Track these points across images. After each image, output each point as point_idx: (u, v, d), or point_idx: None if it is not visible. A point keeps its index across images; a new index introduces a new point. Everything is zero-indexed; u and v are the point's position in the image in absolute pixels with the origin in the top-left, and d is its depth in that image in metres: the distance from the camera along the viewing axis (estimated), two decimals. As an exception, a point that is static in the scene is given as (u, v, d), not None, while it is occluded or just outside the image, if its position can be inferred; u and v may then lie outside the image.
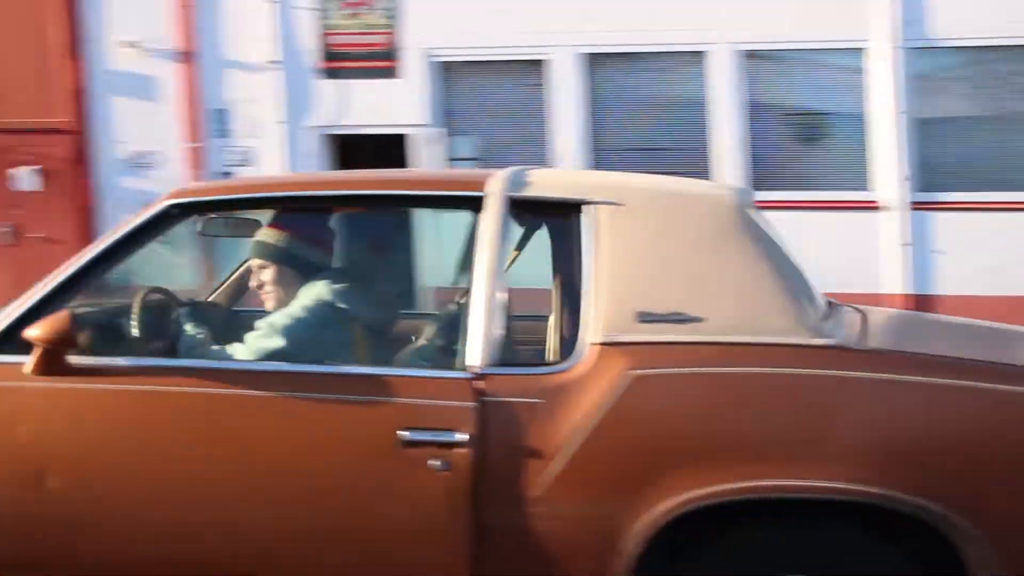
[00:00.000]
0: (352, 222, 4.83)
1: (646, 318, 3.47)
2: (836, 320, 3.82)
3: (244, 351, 3.83)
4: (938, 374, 3.41)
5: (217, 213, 4.33)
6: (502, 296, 3.56)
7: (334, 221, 4.39)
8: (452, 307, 4.22)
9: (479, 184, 3.71)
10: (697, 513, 3.28)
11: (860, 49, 9.97)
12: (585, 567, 3.36)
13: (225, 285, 4.79)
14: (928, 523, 3.19)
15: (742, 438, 3.35)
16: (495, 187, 3.69)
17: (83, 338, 3.61)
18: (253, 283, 4.24)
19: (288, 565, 3.59)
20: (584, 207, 3.63)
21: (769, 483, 3.28)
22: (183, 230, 4.12)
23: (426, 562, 3.47)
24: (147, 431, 3.62)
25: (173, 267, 5.49)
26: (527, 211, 3.76)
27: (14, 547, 3.71)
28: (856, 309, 4.20)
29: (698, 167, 10.02)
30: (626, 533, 3.30)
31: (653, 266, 3.58)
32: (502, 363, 3.49)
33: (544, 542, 3.38)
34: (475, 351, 3.47)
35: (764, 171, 10.19)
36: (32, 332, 3.54)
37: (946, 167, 10.00)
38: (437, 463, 3.38)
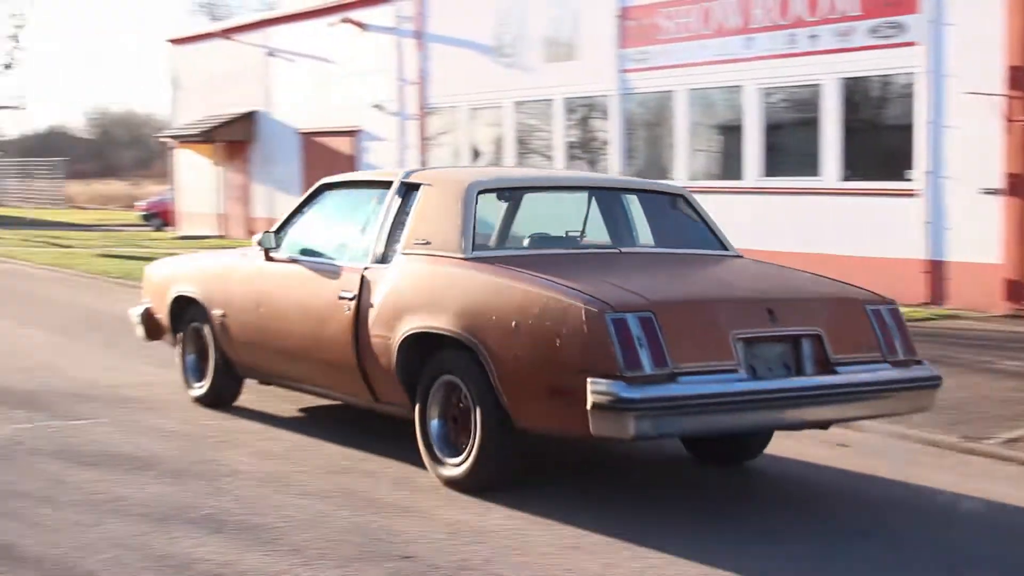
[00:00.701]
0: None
1: (417, 242, 7.55)
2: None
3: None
4: (500, 275, 6.95)
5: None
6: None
7: None
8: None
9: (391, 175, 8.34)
10: (412, 337, 7.17)
11: None
12: (388, 359, 7.35)
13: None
14: (470, 347, 6.77)
15: (424, 302, 7.22)
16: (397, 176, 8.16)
17: None
18: None
19: (306, 370, 8.52)
20: (422, 187, 7.86)
21: (425, 325, 7.09)
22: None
23: (341, 353, 7.79)
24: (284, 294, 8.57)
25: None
26: (410, 188, 7.94)
27: (245, 347, 9.07)
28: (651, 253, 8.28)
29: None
30: (395, 344, 7.26)
31: (426, 217, 7.63)
32: (373, 263, 7.75)
33: (377, 347, 7.44)
34: (367, 257, 7.84)
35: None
36: None
37: None
38: (347, 306, 7.71)
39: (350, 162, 30.68)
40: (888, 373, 6.90)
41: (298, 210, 8.89)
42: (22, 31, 38.29)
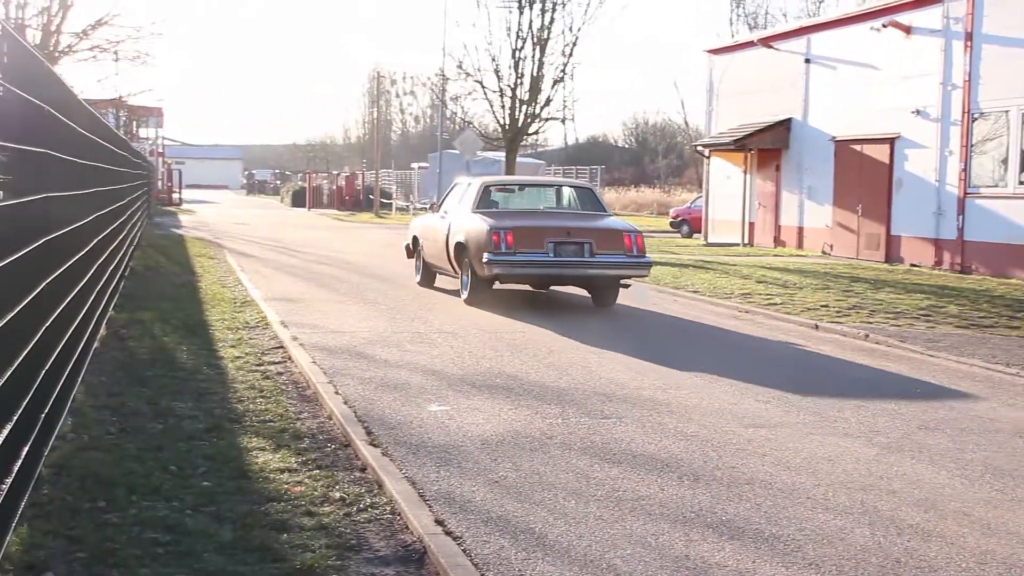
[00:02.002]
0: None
1: (462, 205, 18.70)
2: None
3: None
4: (478, 218, 17.67)
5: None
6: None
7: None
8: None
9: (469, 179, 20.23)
10: (455, 243, 18.19)
11: None
12: (450, 252, 18.50)
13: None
14: (466, 245, 17.85)
15: (458, 229, 18.28)
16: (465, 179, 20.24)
17: None
18: None
19: (440, 263, 19.51)
20: (466, 182, 19.49)
21: (456, 239, 18.20)
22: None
23: (444, 251, 18.84)
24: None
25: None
26: (467, 183, 19.36)
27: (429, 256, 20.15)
28: None
29: None
30: (452, 246, 18.29)
31: (465, 196, 18.73)
32: (452, 214, 19.10)
33: (450, 248, 18.45)
34: (451, 212, 19.12)
35: None
36: None
37: None
38: (445, 231, 18.93)
39: (885, 170, 29.89)
40: (622, 259, 17.21)
41: (447, 194, 20.02)
42: (575, 46, 40.39)
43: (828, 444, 8.78)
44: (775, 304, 18.39)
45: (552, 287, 19.18)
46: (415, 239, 20.69)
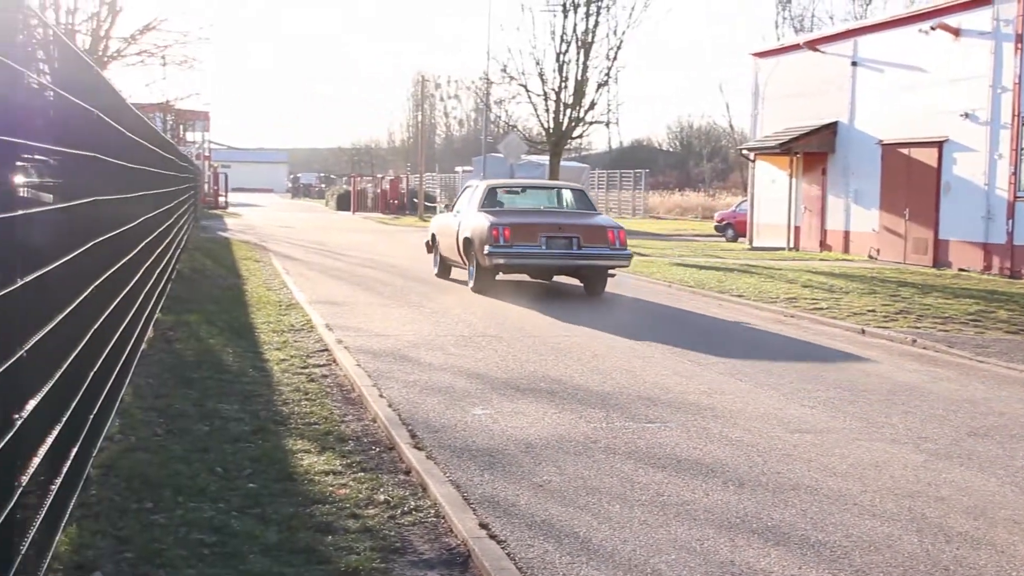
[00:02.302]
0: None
1: (470, 205, 21.24)
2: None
3: None
4: (483, 216, 20.14)
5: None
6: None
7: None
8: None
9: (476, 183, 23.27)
10: (463, 238, 20.89)
11: None
12: (460, 246, 21.10)
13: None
14: (472, 240, 20.48)
15: (467, 226, 20.75)
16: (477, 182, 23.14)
17: None
18: None
19: (453, 256, 22.22)
20: (476, 184, 22.20)
21: (464, 234, 20.83)
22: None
23: (455, 244, 21.48)
24: None
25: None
26: (474, 186, 22.09)
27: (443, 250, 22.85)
28: None
29: None
30: (462, 240, 20.89)
31: (473, 197, 21.32)
32: (462, 213, 21.60)
33: (459, 243, 21.16)
34: (461, 212, 21.60)
35: None
36: None
37: None
38: (456, 228, 21.53)
39: (933, 174, 29.64)
40: (606, 251, 19.55)
41: (459, 196, 22.42)
42: (619, 50, 40.32)
43: (875, 450, 8.71)
44: (821, 309, 18.27)
45: (552, 278, 22.12)
46: (433, 236, 23.52)
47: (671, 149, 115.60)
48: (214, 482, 7.22)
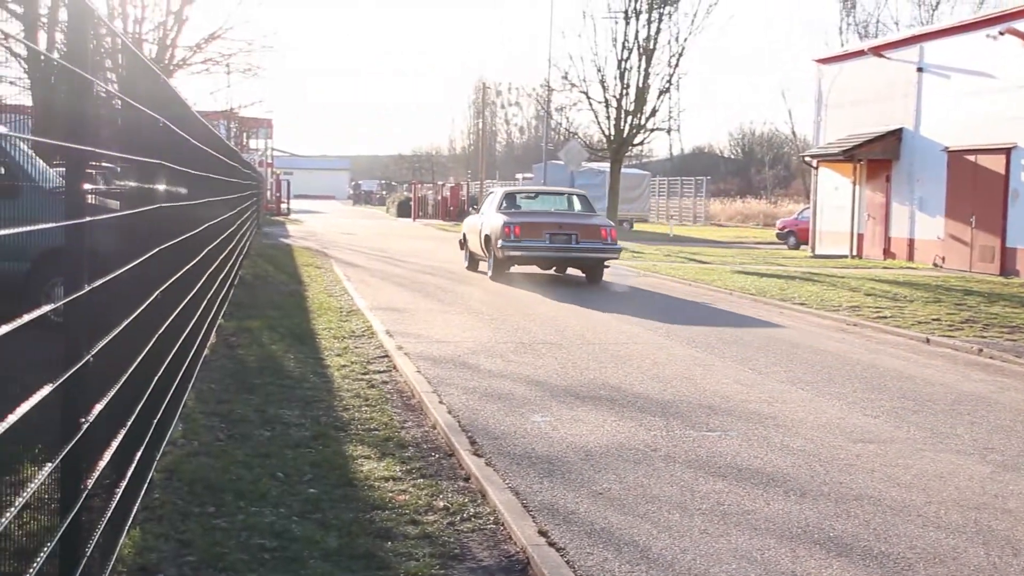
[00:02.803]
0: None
1: (490, 207, 25.93)
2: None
3: None
4: (501, 215, 24.34)
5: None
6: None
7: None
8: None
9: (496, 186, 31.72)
10: (484, 234, 25.36)
11: None
12: (483, 241, 25.39)
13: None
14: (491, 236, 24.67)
15: (487, 224, 25.08)
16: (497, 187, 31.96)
17: None
18: None
19: (479, 252, 26.39)
20: (498, 190, 26.78)
21: (486, 231, 25.11)
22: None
23: (479, 240, 25.83)
24: None
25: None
26: (494, 192, 27.00)
27: (473, 247, 26.89)
28: None
29: None
30: (483, 237, 25.39)
31: (495, 202, 25.63)
32: (484, 214, 26.29)
33: (482, 237, 25.52)
34: (485, 214, 26.21)
35: None
36: None
37: None
38: (480, 227, 25.85)
39: (1000, 181, 29.23)
40: (599, 245, 23.68)
41: (484, 200, 27.02)
42: (681, 57, 40.25)
43: (940, 461, 8.60)
44: (884, 317, 18.09)
45: (553, 268, 25.67)
46: (464, 235, 27.85)
47: (733, 156, 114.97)
48: (275, 487, 7.28)
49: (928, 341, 15.72)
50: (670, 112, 49.67)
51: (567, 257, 24.08)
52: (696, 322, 17.59)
